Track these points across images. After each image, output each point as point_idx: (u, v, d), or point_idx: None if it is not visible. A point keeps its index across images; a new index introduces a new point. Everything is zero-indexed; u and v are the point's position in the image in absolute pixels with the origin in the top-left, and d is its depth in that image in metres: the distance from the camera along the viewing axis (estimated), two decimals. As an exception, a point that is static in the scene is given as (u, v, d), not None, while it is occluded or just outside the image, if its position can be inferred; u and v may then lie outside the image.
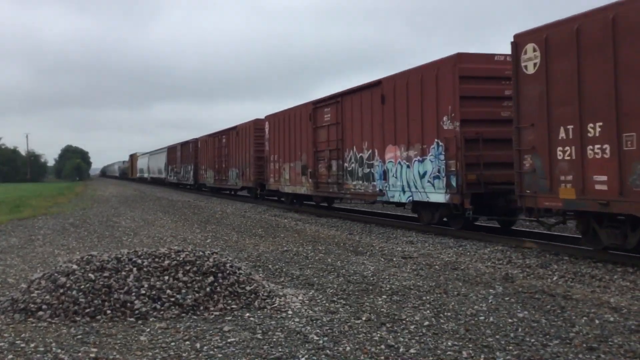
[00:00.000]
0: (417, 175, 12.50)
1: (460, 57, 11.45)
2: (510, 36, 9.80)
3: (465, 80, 11.31)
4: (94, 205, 24.66)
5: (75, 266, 6.12)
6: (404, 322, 5.42)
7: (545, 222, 9.96)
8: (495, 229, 12.81)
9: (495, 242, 10.67)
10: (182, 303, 5.81)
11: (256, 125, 24.34)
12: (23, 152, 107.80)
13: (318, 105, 17.69)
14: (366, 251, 10.00)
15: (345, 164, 15.82)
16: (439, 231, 12.54)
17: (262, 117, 23.35)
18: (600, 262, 8.46)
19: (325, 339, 4.90)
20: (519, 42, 9.45)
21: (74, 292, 5.77)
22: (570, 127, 8.49)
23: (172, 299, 5.83)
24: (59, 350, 4.66)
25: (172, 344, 4.83)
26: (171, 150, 45.93)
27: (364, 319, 5.53)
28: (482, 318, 5.51)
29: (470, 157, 11.23)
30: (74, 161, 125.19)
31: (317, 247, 10.49)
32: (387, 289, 6.85)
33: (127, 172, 79.66)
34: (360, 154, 15.03)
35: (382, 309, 5.89)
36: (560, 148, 8.67)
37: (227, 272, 6.34)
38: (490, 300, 6.22)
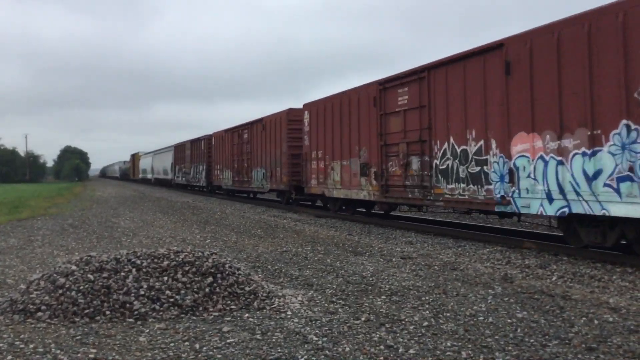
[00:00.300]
0: (580, 176, 8.54)
1: None
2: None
3: None
4: (93, 206, 24.64)
5: (74, 267, 6.12)
6: (403, 322, 5.42)
7: None
8: (494, 228, 12.79)
9: (494, 243, 10.68)
10: (181, 304, 5.81)
11: (290, 116, 20.56)
12: (22, 153, 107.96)
13: (388, 85, 13.74)
14: (365, 251, 10.00)
15: (435, 161, 12.00)
16: (438, 231, 12.53)
17: (293, 107, 20.54)
18: (599, 262, 8.47)
19: (325, 339, 4.90)
20: None
21: (73, 293, 5.77)
22: None
23: (171, 300, 5.83)
24: (58, 351, 4.66)
25: (171, 344, 4.83)
26: (179, 148, 42.15)
27: (363, 319, 5.53)
28: (481, 318, 5.51)
29: None
30: (73, 162, 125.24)
31: (316, 248, 10.50)
32: (386, 289, 6.85)
33: (129, 173, 77.94)
34: (463, 147, 11.17)
35: (381, 310, 5.89)
36: None
37: (226, 272, 6.34)
38: (489, 301, 6.22)
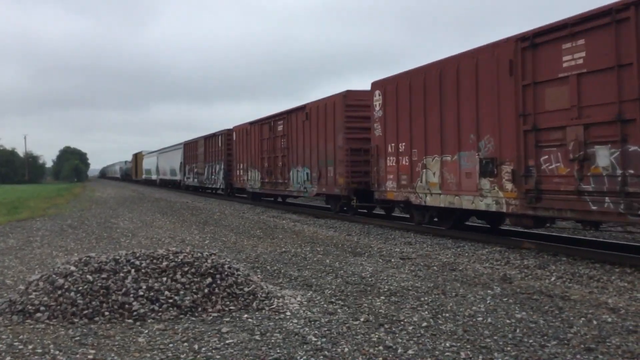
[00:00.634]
0: None
1: None
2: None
3: None
4: (92, 206, 24.63)
5: (73, 267, 6.11)
6: (402, 323, 5.42)
7: None
8: (493, 229, 12.79)
9: (493, 243, 10.68)
10: (180, 304, 5.81)
11: (348, 99, 16.28)
12: (21, 154, 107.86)
13: (540, 39, 9.39)
14: (364, 252, 10.00)
15: None
16: (437, 232, 12.53)
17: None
18: (598, 262, 8.48)
19: (324, 340, 4.90)
20: None
21: (72, 294, 5.77)
22: None
23: (170, 300, 5.83)
24: (57, 352, 4.66)
25: (170, 345, 4.83)
26: (189, 146, 37.21)
27: (362, 320, 5.54)
28: (480, 319, 5.51)
29: None
30: (73, 162, 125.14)
31: (316, 248, 10.50)
32: (386, 289, 6.86)
33: (131, 173, 74.62)
34: None
35: (380, 310, 5.89)
36: None
37: (226, 273, 6.34)
38: (488, 301, 6.23)
